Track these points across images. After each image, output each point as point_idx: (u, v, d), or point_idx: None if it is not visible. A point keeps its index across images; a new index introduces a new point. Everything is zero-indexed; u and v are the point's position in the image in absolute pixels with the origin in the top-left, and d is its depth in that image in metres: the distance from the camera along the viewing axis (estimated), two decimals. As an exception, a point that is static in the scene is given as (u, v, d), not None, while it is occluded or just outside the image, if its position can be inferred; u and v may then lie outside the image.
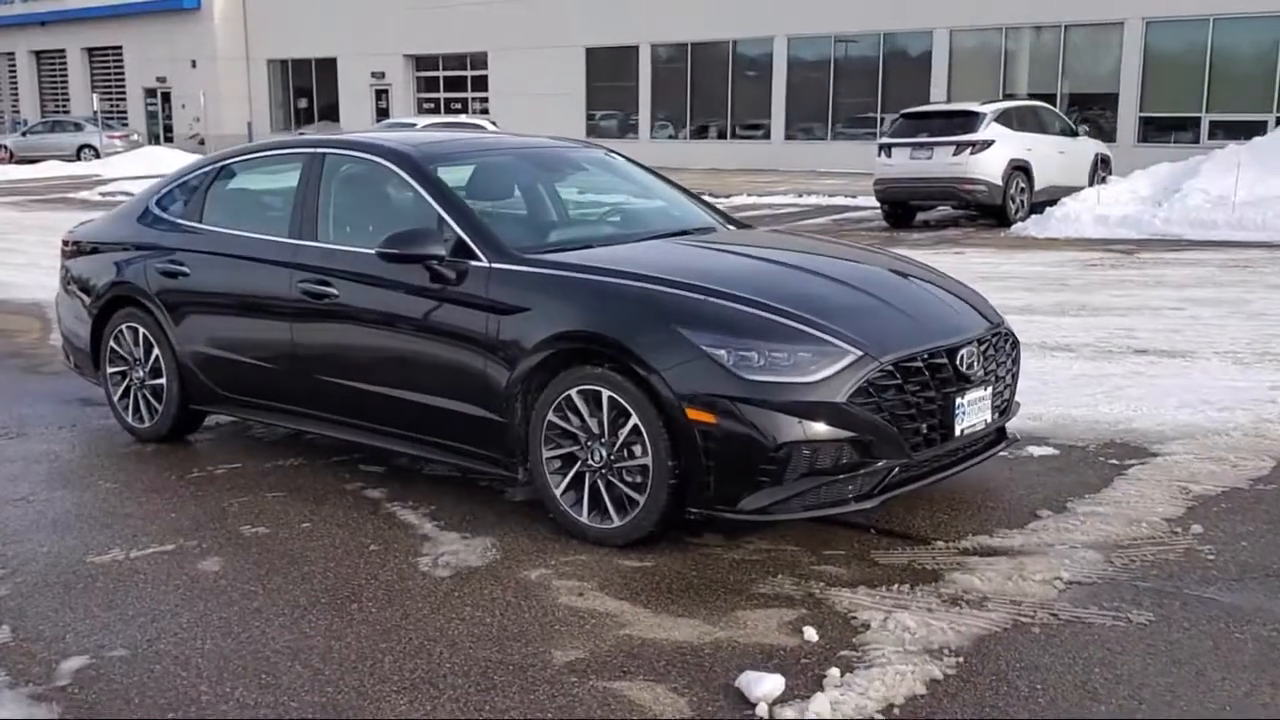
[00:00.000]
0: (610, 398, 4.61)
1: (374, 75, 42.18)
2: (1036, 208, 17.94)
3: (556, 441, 4.82)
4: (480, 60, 39.60)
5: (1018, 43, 29.40)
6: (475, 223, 5.24)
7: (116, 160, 35.15)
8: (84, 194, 27.27)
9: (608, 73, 36.65)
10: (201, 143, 43.50)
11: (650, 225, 5.88)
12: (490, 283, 5.00)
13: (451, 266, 5.11)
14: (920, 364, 4.59)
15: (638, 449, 4.58)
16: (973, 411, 4.79)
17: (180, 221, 6.36)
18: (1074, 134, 20.04)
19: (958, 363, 4.71)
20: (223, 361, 6.06)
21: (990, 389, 4.91)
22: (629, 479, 4.64)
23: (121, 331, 6.50)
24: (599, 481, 4.72)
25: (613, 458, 4.65)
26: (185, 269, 6.16)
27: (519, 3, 37.39)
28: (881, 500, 4.55)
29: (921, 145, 18.00)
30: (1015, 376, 5.24)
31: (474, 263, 5.09)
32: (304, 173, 5.86)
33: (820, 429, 4.35)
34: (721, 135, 34.48)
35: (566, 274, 4.92)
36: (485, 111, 37.98)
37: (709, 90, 34.53)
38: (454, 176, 5.59)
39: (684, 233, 5.76)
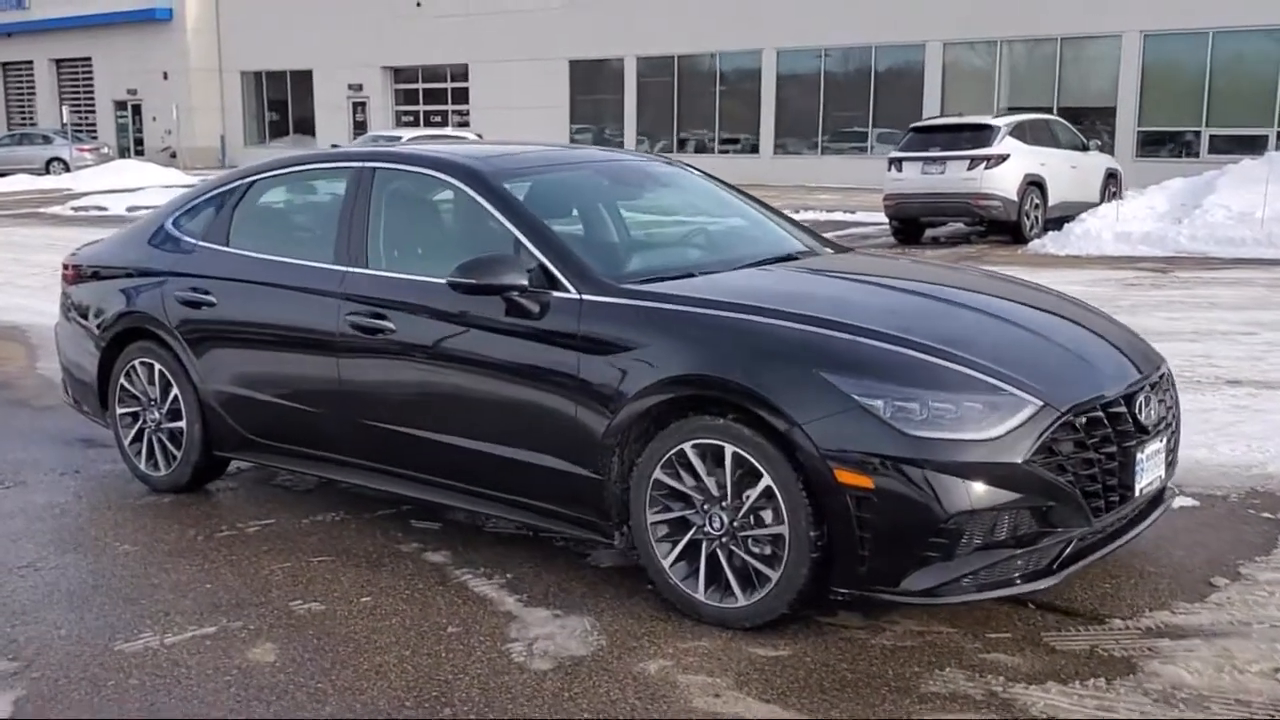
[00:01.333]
0: (735, 454, 3.93)
1: (351, 87, 41.42)
2: (1049, 224, 17.45)
3: (665, 504, 4.14)
4: (461, 72, 38.91)
5: (1012, 56, 28.99)
6: (560, 248, 4.55)
7: (87, 174, 34.18)
8: (55, 209, 26.34)
9: (592, 85, 36.06)
10: (173, 156, 42.59)
11: (747, 249, 5.18)
12: (582, 317, 4.32)
13: (533, 298, 4.43)
14: (1100, 413, 3.93)
15: (768, 515, 3.90)
16: (1150, 466, 4.14)
17: (202, 244, 5.64)
18: (1085, 148, 19.53)
19: (1136, 411, 4.06)
20: (254, 403, 5.34)
21: (1164, 440, 4.27)
22: (757, 550, 3.96)
23: (134, 367, 5.76)
24: (719, 552, 4.03)
25: (737, 525, 3.97)
26: (211, 298, 5.43)
27: (501, 15, 36.73)
28: (1062, 577, 3.87)
29: (933, 159, 17.42)
30: (1179, 424, 4.60)
31: (560, 294, 4.40)
32: (350, 190, 5.16)
33: (997, 494, 3.68)
34: (702, 149, 33.83)
35: (677, 307, 4.23)
36: (465, 124, 37.23)
37: (695, 104, 33.97)
38: (526, 194, 4.91)
39: (789, 258, 5.08)
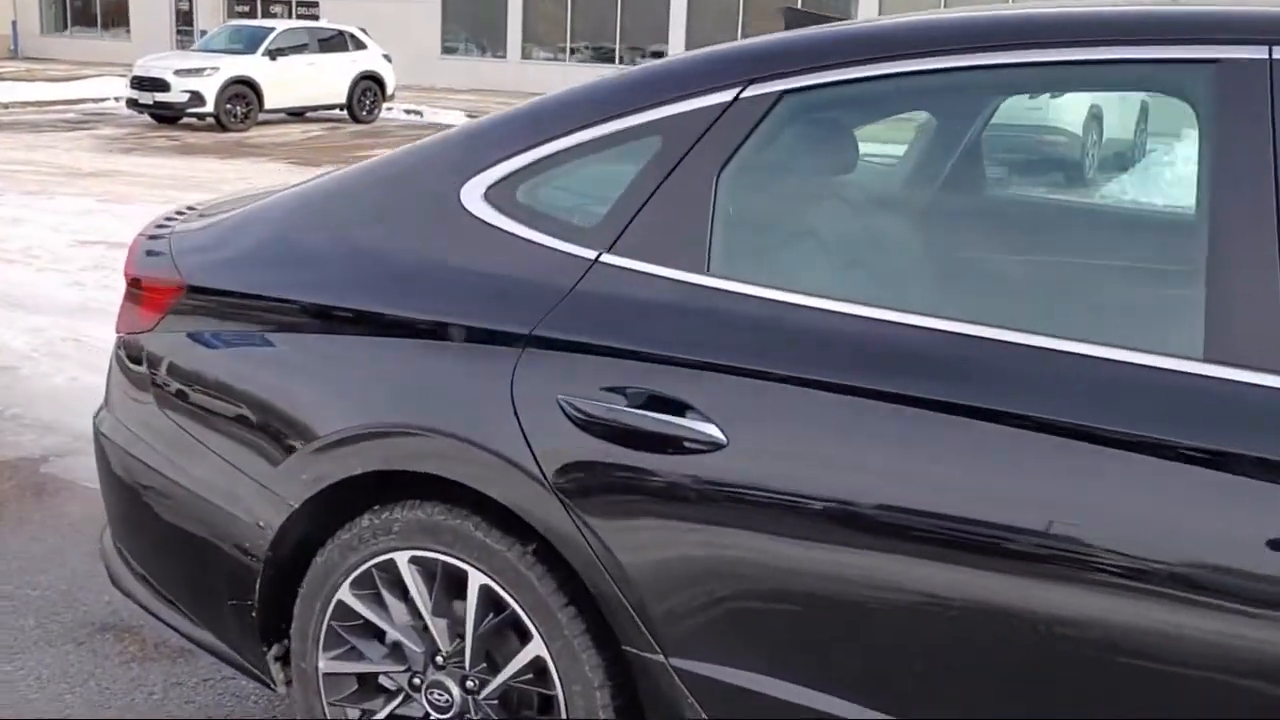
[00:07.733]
0: None
1: (174, -29, 35.93)
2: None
3: None
4: (309, -43, 33.93)
5: (962, -36, 26.23)
6: None
7: None
8: None
9: (469, -23, 31.79)
10: (-50, 46, 36.33)
11: None
12: None
13: None
14: None
15: None
16: None
17: (615, 261, 2.05)
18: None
19: None
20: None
21: None
22: None
23: (392, 567, 2.20)
24: None
25: None
26: (708, 428, 1.89)
27: (360, -113, 31.88)
28: None
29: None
30: None
31: None
32: (1222, 126, 1.71)
33: None
34: (608, 59, 30.08)
35: None
36: (315, 19, 32.26)
37: (594, 5, 30.12)
38: None
39: None
